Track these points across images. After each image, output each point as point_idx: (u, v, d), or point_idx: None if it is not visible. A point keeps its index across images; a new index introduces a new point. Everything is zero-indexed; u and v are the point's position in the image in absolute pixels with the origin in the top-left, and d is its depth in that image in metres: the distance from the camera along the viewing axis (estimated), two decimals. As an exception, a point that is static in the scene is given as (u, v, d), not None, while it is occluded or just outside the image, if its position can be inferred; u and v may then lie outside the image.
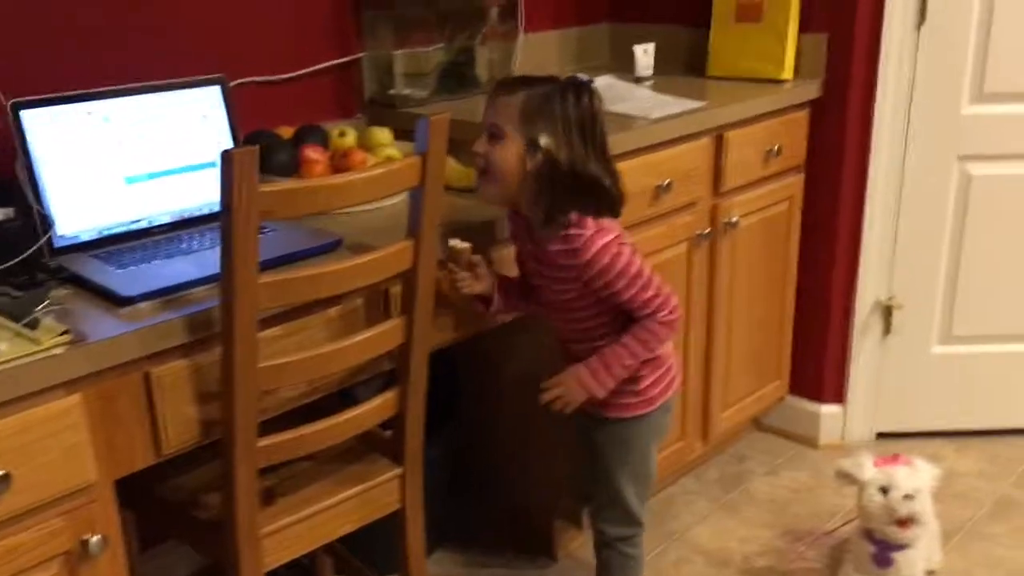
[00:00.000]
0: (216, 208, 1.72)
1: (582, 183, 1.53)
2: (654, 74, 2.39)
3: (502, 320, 1.80)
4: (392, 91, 2.17)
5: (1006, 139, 2.39)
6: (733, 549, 2.23)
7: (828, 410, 2.62)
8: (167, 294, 1.41)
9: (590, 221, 1.56)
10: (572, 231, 1.56)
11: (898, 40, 2.30)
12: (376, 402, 1.59)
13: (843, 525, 2.20)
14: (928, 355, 2.58)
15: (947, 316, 2.55)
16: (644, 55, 2.32)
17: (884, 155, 2.39)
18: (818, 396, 2.63)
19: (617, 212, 1.58)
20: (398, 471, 1.67)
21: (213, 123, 1.75)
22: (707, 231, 2.18)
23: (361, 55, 2.19)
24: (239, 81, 1.96)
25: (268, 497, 1.58)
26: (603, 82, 2.18)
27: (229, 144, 1.76)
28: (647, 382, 1.71)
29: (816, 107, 2.41)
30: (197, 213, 1.71)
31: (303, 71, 2.10)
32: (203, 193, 1.72)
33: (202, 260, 1.55)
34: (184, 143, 1.71)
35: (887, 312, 2.53)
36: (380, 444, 1.71)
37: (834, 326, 2.55)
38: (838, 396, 2.62)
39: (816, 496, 2.42)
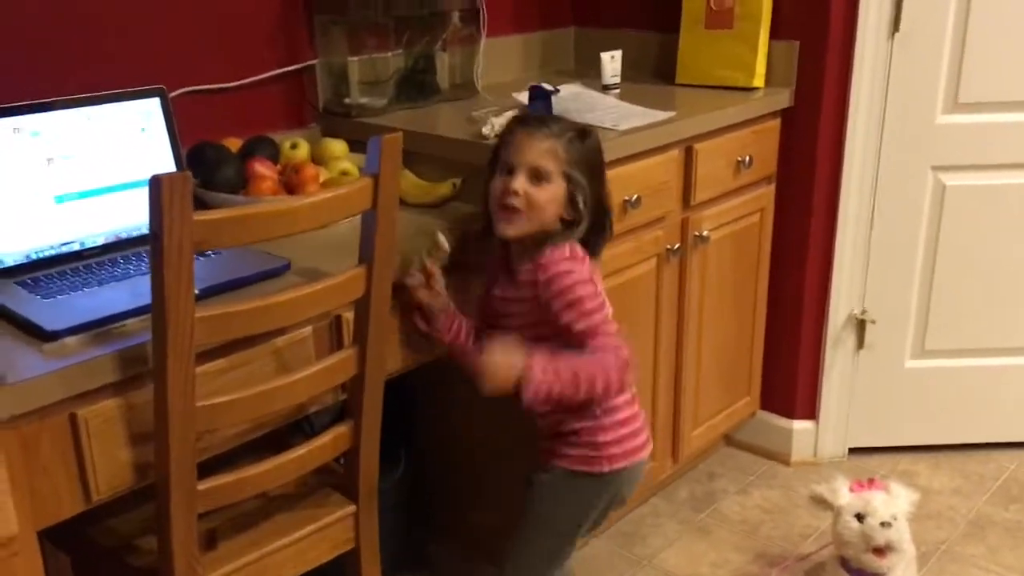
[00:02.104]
0: (155, 229, 1.63)
1: (601, 224, 1.55)
2: (622, 81, 2.30)
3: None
4: (348, 100, 2.07)
5: (981, 149, 2.33)
6: (704, 575, 2.15)
7: (800, 426, 2.56)
8: (97, 327, 1.31)
9: (567, 247, 1.53)
10: (545, 250, 1.52)
11: (872, 48, 2.23)
12: (327, 437, 1.49)
13: (818, 551, 2.13)
14: (901, 370, 2.52)
15: (920, 330, 2.49)
16: (611, 62, 2.23)
17: (857, 165, 2.33)
18: (790, 412, 2.56)
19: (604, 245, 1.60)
20: (351, 509, 1.58)
21: (153, 137, 1.64)
22: (676, 246, 2.10)
23: (314, 62, 2.08)
24: (181, 91, 1.85)
25: (210, 541, 1.47)
26: (570, 90, 2.09)
27: (170, 159, 1.65)
28: (609, 436, 1.58)
29: (787, 116, 2.34)
30: (134, 234, 1.60)
31: (251, 79, 1.99)
32: (141, 212, 1.60)
33: (137, 287, 1.44)
34: (120, 159, 1.59)
35: (860, 326, 2.46)
36: (332, 477, 1.62)
37: (806, 341, 2.49)
38: (810, 412, 2.55)
39: (788, 517, 2.35)
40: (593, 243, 1.55)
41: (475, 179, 1.87)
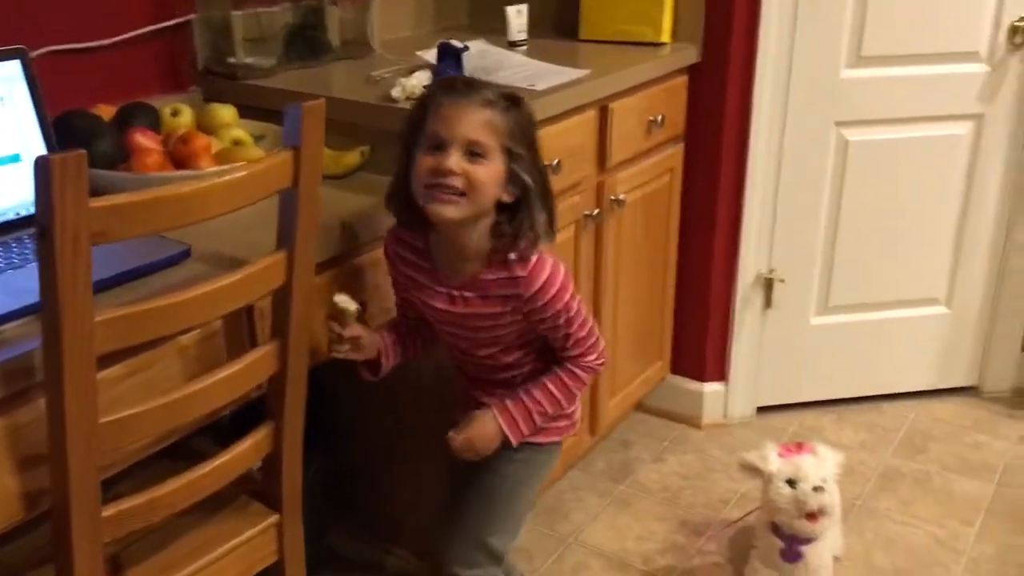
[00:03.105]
0: (24, 211, 1.41)
1: (546, 201, 1.39)
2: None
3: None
4: (232, 59, 1.86)
5: (881, 103, 2.33)
6: (631, 549, 2.09)
7: (710, 388, 2.53)
8: (-32, 336, 1.10)
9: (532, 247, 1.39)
10: (515, 257, 1.38)
11: (778, 1, 2.18)
12: (245, 444, 1.32)
13: (744, 516, 2.10)
14: (806, 327, 2.53)
15: (824, 287, 2.49)
16: (517, 16, 2.10)
17: (764, 122, 2.28)
18: (700, 375, 2.53)
19: (556, 229, 1.44)
20: (274, 519, 1.42)
21: (14, 106, 1.41)
22: (595, 212, 2.00)
23: (191, 17, 1.86)
24: (42, 51, 1.61)
25: (115, 568, 1.29)
26: (475, 48, 1.95)
27: (36, 133, 1.42)
28: (576, 403, 1.56)
29: (694, 73, 2.26)
30: (-1, 220, 1.38)
31: (121, 36, 1.76)
32: (5, 195, 1.39)
33: (12, 284, 1.23)
34: (-24, 133, 1.36)
35: (768, 285, 2.44)
36: (250, 484, 1.45)
37: (715, 302, 2.45)
38: (720, 374, 2.52)
39: (707, 482, 2.32)
40: (548, 227, 1.40)
41: (384, 146, 1.71)
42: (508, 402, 1.46)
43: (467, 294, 1.42)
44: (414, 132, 1.38)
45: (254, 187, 1.13)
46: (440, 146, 1.32)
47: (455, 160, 1.31)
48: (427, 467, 1.85)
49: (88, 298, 1.00)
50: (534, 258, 1.39)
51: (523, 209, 1.35)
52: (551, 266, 1.40)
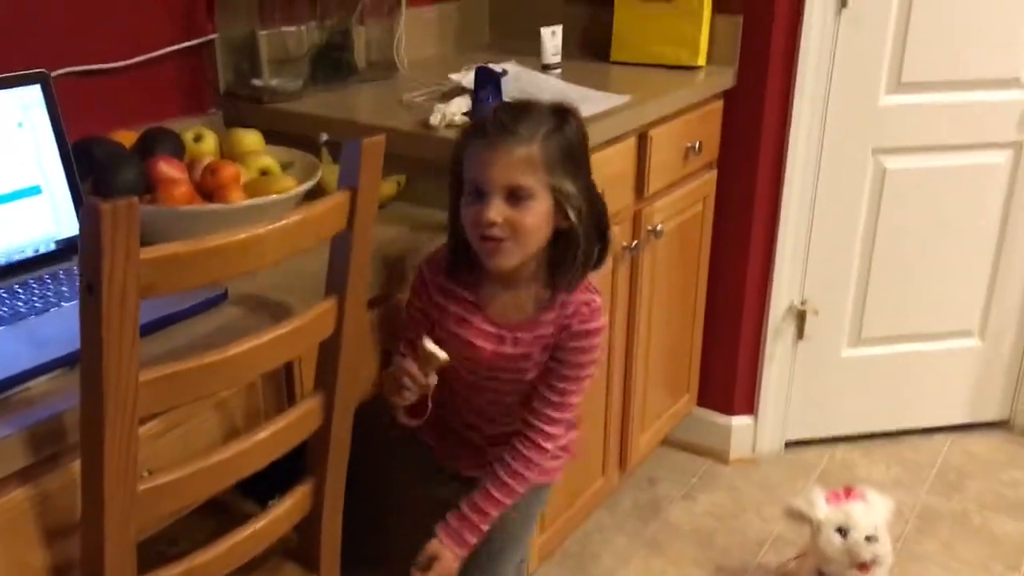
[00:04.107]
0: (44, 248, 1.30)
1: (600, 226, 1.30)
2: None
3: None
4: (257, 81, 1.76)
5: (921, 130, 2.25)
6: (667, 596, 2.00)
7: (738, 422, 2.44)
8: (-8, 394, 1.00)
9: (591, 283, 1.32)
10: (579, 295, 1.30)
11: (819, 25, 2.10)
12: (286, 505, 1.22)
13: (787, 563, 2.01)
14: (837, 359, 2.45)
15: (857, 318, 2.41)
16: (552, 38, 2.01)
17: (801, 149, 2.20)
18: (728, 408, 2.44)
19: (607, 255, 1.35)
20: (312, 581, 1.32)
21: (34, 133, 1.30)
22: (633, 244, 1.91)
23: (212, 36, 1.76)
24: (58, 72, 1.50)
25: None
26: (510, 71, 1.85)
27: (55, 161, 1.32)
28: (573, 433, 1.47)
29: (730, 97, 2.18)
30: (16, 258, 1.27)
31: (140, 57, 1.65)
32: (23, 230, 1.28)
33: (36, 332, 1.13)
34: (-6, 164, 1.26)
35: (800, 317, 2.36)
36: (284, 543, 1.34)
37: (746, 334, 2.36)
38: (748, 407, 2.44)
39: (740, 522, 2.23)
40: (600, 258, 1.32)
41: (420, 176, 1.63)
42: (451, 521, 1.37)
43: (520, 335, 1.33)
44: (455, 181, 1.30)
45: (310, 232, 1.04)
46: (480, 195, 1.24)
47: (496, 210, 1.22)
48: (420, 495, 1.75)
49: (134, 358, 0.90)
50: (598, 298, 1.32)
51: (573, 239, 1.27)
52: (602, 323, 1.33)
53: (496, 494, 1.36)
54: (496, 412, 1.42)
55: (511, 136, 1.23)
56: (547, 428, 1.35)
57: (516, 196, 1.23)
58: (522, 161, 1.22)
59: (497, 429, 1.43)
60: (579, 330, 1.31)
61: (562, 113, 1.28)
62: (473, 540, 1.37)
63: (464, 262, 1.33)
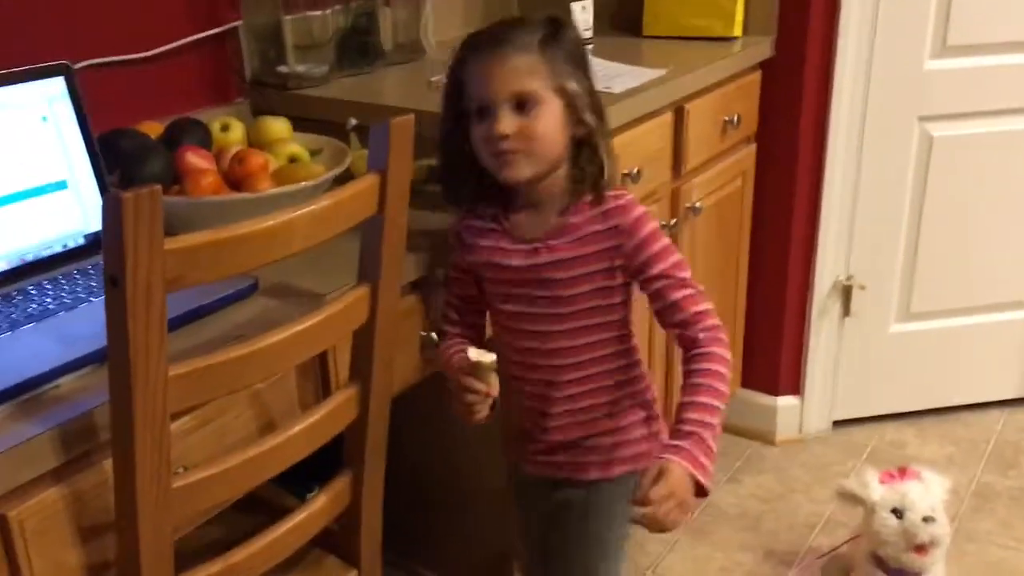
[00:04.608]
0: (72, 243, 1.28)
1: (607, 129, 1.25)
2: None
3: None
4: (283, 68, 1.73)
5: (969, 95, 2.17)
6: (716, 582, 1.96)
7: (784, 402, 2.38)
8: (20, 393, 0.97)
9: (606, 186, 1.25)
10: (606, 196, 1.23)
11: (860, -11, 2.03)
12: (324, 498, 1.19)
13: (838, 547, 1.96)
14: (885, 336, 2.38)
15: (906, 292, 2.34)
16: (582, 12, 1.96)
17: (844, 119, 2.13)
18: (773, 389, 2.38)
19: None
20: (353, 575, 1.29)
21: (59, 127, 1.28)
22: (672, 222, 1.86)
23: (236, 23, 1.73)
24: (82, 64, 1.48)
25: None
26: (540, 48, 1.80)
27: (82, 155, 1.30)
28: (657, 409, 1.37)
29: (768, 68, 2.12)
30: (44, 254, 1.25)
31: (164, 47, 1.62)
32: (50, 226, 1.26)
33: (63, 329, 1.10)
34: (17, 159, 1.23)
35: (846, 293, 2.29)
36: (324, 537, 1.32)
37: (790, 311, 2.30)
38: (794, 387, 2.38)
39: (789, 505, 2.18)
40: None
41: (452, 159, 1.58)
42: (673, 441, 1.14)
43: (553, 242, 1.25)
44: (451, 106, 1.25)
45: (340, 217, 1.00)
46: (486, 110, 1.19)
47: (505, 122, 1.17)
48: (462, 488, 1.73)
49: (162, 352, 0.87)
50: (626, 192, 1.26)
51: (591, 143, 1.22)
52: (645, 209, 1.25)
53: (710, 401, 1.16)
54: (562, 375, 1.30)
55: (508, 44, 1.18)
56: (708, 322, 1.21)
57: (524, 104, 1.18)
58: (524, 67, 1.17)
59: (563, 393, 1.31)
60: (629, 222, 1.23)
61: (554, 21, 1.23)
62: (707, 463, 1.14)
63: (491, 193, 1.27)
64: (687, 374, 1.21)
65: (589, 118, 1.21)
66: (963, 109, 2.18)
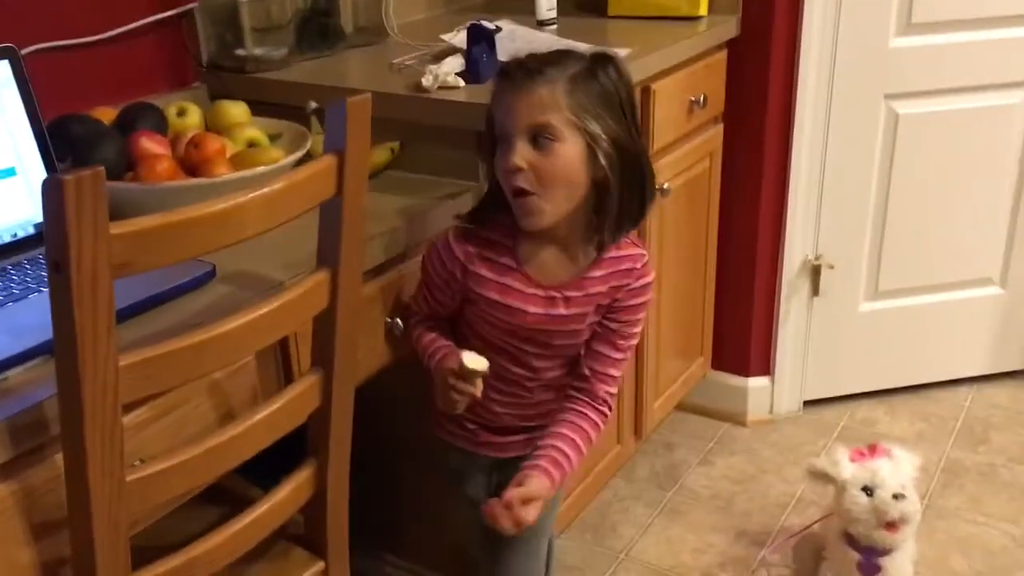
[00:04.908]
0: (22, 232, 1.25)
1: (647, 178, 1.22)
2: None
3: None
4: (240, 51, 1.69)
5: (933, 73, 2.17)
6: (689, 564, 1.94)
7: (755, 383, 2.38)
8: (-33, 386, 0.94)
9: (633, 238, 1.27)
10: (628, 250, 1.25)
11: (824, -34, 2.02)
12: (287, 489, 1.16)
13: (809, 525, 1.96)
14: (855, 314, 2.38)
15: (874, 271, 2.34)
16: (546, -6, 1.93)
17: (810, 98, 2.12)
18: (744, 370, 2.38)
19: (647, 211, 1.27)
20: (319, 566, 1.26)
21: (5, 113, 1.24)
22: (640, 203, 1.84)
23: (192, 5, 1.69)
24: (30, 49, 1.43)
25: (147, 637, 1.14)
26: (504, 29, 1.77)
27: (29, 141, 1.26)
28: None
29: (734, 47, 2.10)
30: (-6, 244, 1.21)
31: (117, 30, 1.58)
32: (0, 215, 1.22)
33: (12, 319, 1.07)
34: (-37, 145, 1.19)
35: (815, 272, 2.29)
36: (290, 528, 1.29)
37: (759, 292, 2.30)
38: (764, 367, 2.37)
39: (761, 485, 2.17)
40: (644, 210, 1.24)
41: (416, 141, 1.56)
42: (545, 452, 1.24)
43: (570, 294, 1.25)
44: (489, 135, 1.24)
45: (295, 200, 0.97)
46: (505, 140, 1.17)
47: (519, 154, 1.15)
48: (429, 476, 1.70)
49: (110, 340, 0.84)
50: (645, 252, 1.27)
51: (610, 190, 1.18)
52: (653, 277, 1.29)
53: (570, 451, 1.25)
54: (536, 387, 1.34)
55: (537, 75, 1.16)
56: (612, 389, 1.30)
57: (540, 138, 1.15)
58: (546, 100, 1.15)
59: (531, 411, 1.36)
60: (637, 287, 1.26)
61: (600, 58, 1.20)
62: (558, 477, 1.23)
63: (500, 221, 1.25)
64: (574, 412, 1.29)
65: (603, 160, 1.16)
66: (929, 87, 2.18)
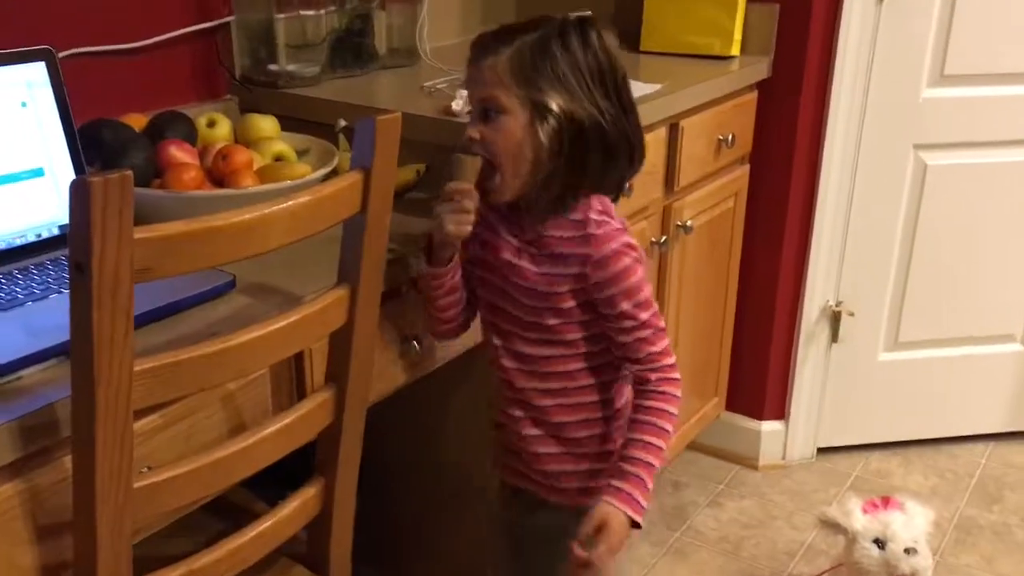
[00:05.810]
0: (47, 233, 1.25)
1: (619, 148, 1.18)
2: (582, 48, 2.00)
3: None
4: (273, 66, 1.70)
5: (965, 125, 2.16)
6: (693, 607, 1.92)
7: (769, 427, 2.36)
8: (-19, 382, 0.94)
9: (612, 209, 1.22)
10: (592, 215, 1.19)
11: (859, 14, 2.02)
12: (293, 506, 1.15)
13: (823, 573, 1.92)
14: (873, 363, 2.35)
15: (895, 320, 2.32)
16: (579, 25, 1.93)
17: (838, 144, 2.12)
18: (758, 413, 2.35)
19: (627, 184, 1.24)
20: (321, 587, 1.25)
21: (38, 113, 1.25)
22: (662, 239, 1.84)
23: (229, 19, 1.70)
24: (67, 52, 1.45)
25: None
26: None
27: (61, 143, 1.27)
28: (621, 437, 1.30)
29: (764, 89, 2.10)
30: (16, 243, 1.22)
31: (153, 39, 1.60)
32: (25, 214, 1.23)
33: (32, 319, 1.07)
34: (-6, 144, 1.20)
35: (835, 318, 2.27)
36: (291, 545, 1.28)
37: (778, 336, 2.28)
38: (779, 412, 2.35)
39: (769, 531, 2.14)
40: (622, 177, 1.22)
41: (442, 164, 1.55)
42: (614, 482, 1.18)
43: (533, 250, 1.22)
44: None
45: (319, 215, 0.97)
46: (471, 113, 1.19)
47: (473, 126, 1.17)
48: (466, 513, 1.68)
49: (128, 346, 0.83)
50: (612, 221, 1.20)
51: (568, 158, 1.14)
52: (625, 241, 1.20)
53: (654, 440, 1.19)
54: (541, 376, 1.27)
55: (491, 48, 1.15)
56: (656, 365, 1.22)
57: (487, 112, 1.16)
58: (490, 73, 1.14)
59: (543, 386, 1.28)
60: (599, 257, 1.18)
61: (564, 26, 1.15)
62: (644, 503, 1.18)
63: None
64: (636, 409, 1.23)
65: (543, 134, 1.13)
66: (959, 139, 2.17)
